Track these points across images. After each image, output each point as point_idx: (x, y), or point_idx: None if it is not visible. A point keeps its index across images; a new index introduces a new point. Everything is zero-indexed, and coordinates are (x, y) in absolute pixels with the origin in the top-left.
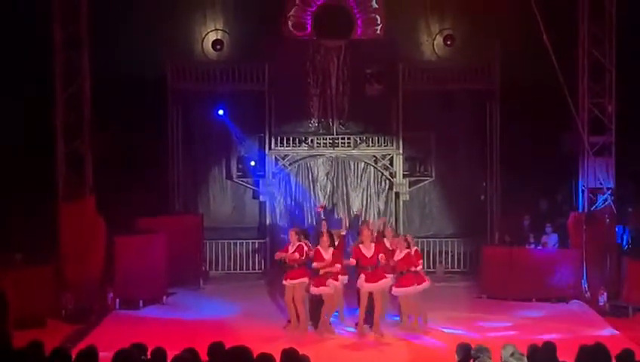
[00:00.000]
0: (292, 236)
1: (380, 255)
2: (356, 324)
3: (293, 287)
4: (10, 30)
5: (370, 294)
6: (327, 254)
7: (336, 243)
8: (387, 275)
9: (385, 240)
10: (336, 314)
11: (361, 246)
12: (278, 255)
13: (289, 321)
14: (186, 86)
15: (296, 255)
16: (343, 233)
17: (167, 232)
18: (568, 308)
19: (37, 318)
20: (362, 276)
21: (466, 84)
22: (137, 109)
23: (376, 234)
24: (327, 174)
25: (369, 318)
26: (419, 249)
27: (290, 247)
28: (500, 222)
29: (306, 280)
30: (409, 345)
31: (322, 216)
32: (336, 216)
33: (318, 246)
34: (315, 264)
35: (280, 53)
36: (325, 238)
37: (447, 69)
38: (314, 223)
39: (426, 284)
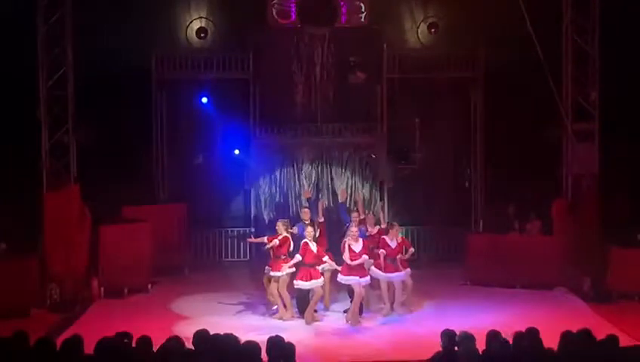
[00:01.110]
0: (280, 227)
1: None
2: (344, 312)
3: (279, 278)
4: None
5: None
6: (314, 246)
7: (317, 230)
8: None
9: (368, 226)
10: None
11: (351, 244)
12: (252, 240)
13: (273, 310)
14: (170, 74)
15: (276, 241)
16: (321, 220)
17: (153, 221)
18: (552, 295)
19: (22, 308)
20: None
21: (450, 72)
22: (122, 98)
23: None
24: (311, 162)
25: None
26: (404, 236)
27: (274, 238)
28: (485, 209)
29: (291, 270)
30: (393, 333)
31: (305, 203)
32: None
33: (306, 240)
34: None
35: (264, 41)
36: (310, 230)
37: (431, 57)
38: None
39: (408, 271)
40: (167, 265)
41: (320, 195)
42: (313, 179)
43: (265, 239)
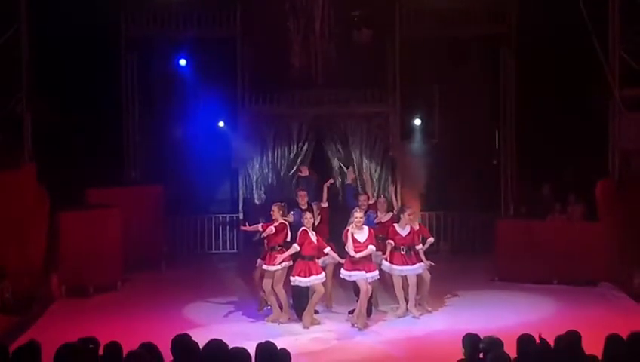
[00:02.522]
0: (275, 212)
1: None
2: (349, 313)
3: (274, 273)
4: None
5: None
6: (314, 236)
7: (318, 217)
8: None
9: (378, 212)
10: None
11: (354, 233)
12: (246, 228)
13: (266, 311)
14: (142, 32)
15: (272, 229)
16: (324, 205)
17: (122, 206)
18: (597, 292)
19: None
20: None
21: (476, 28)
22: (85, 61)
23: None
24: (310, 136)
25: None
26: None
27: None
28: (516, 191)
29: (289, 263)
30: (407, 337)
31: (300, 185)
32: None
33: (305, 228)
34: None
35: None
36: (309, 216)
37: (453, 11)
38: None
39: (425, 264)
40: (140, 258)
41: (323, 175)
42: (312, 155)
43: (259, 227)
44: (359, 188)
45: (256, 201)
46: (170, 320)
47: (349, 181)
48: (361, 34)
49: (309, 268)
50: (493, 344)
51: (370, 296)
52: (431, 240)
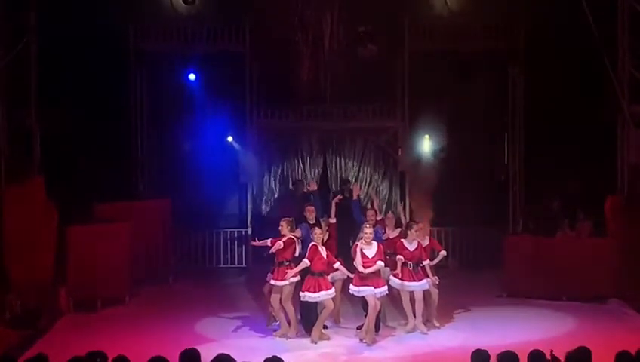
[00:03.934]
0: (283, 227)
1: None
2: (358, 328)
3: (282, 288)
4: None
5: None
6: (324, 251)
7: (326, 233)
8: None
9: (387, 228)
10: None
11: (363, 248)
12: (255, 243)
13: (274, 326)
14: (151, 47)
15: (281, 244)
16: (333, 221)
17: (131, 220)
18: (606, 308)
19: None
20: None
21: (484, 43)
22: (94, 75)
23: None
24: (319, 150)
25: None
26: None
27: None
28: (524, 206)
29: (296, 279)
30: (415, 352)
31: (312, 200)
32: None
33: (315, 243)
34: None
35: (263, 7)
36: (319, 232)
37: (461, 26)
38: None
39: (430, 280)
40: (148, 272)
41: (332, 190)
42: (320, 170)
43: (268, 242)
44: (367, 204)
45: (265, 216)
46: (178, 334)
47: (355, 196)
48: (365, 50)
49: (319, 283)
50: (509, 358)
51: (379, 312)
52: (443, 253)
